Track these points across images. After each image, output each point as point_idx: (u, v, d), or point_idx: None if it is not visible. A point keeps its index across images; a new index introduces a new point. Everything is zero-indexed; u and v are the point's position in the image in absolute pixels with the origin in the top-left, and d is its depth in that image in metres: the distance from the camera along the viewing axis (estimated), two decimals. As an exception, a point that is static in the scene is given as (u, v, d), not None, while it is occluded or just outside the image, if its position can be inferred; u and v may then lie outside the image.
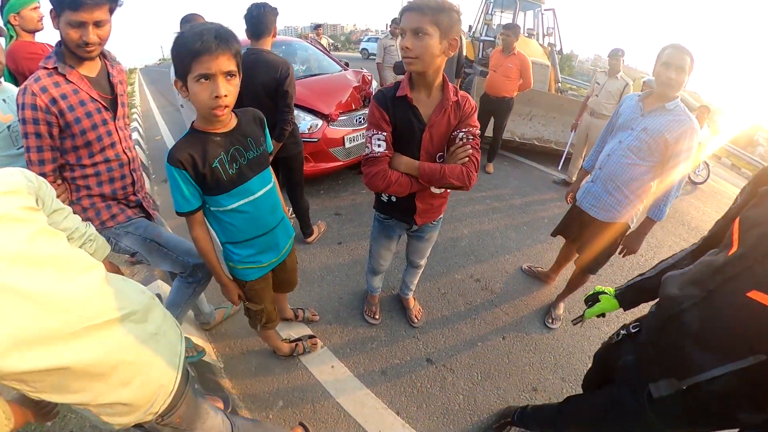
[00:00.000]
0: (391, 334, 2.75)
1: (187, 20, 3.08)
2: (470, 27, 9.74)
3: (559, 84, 7.53)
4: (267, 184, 1.65)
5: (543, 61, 7.05)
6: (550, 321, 2.96)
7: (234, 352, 2.56)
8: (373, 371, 2.46)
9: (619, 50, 4.74)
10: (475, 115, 1.73)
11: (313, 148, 4.13)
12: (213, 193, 1.46)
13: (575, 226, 2.77)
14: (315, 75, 4.96)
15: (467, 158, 1.67)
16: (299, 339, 2.55)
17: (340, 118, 4.25)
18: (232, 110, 1.46)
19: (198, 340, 2.41)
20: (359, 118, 4.44)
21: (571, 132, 5.32)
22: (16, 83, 2.30)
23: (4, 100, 1.84)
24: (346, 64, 5.51)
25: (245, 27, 2.72)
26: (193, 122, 1.44)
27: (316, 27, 9.85)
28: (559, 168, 5.71)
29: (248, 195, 1.55)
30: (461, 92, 1.70)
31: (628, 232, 2.48)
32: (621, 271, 3.71)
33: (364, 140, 4.41)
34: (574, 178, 5.20)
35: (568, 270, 3.11)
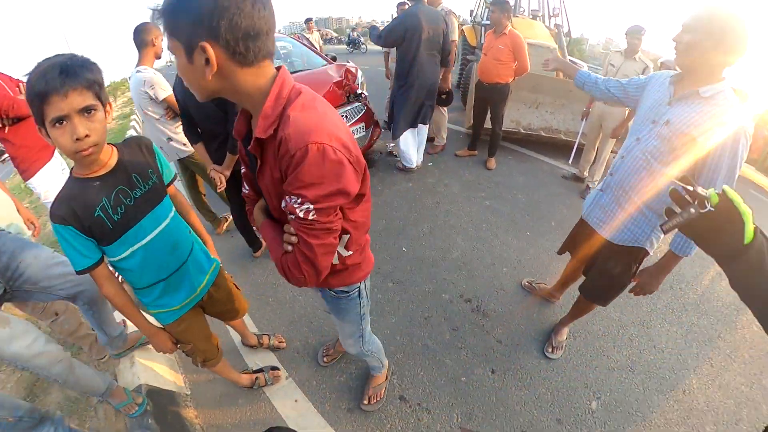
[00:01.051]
0: (362, 367, 2.41)
1: (137, 31, 2.77)
2: (471, 11, 9.21)
3: None
4: (162, 222, 1.46)
5: (549, 44, 6.44)
6: (550, 350, 2.54)
7: (201, 378, 2.39)
8: (339, 408, 2.22)
9: (640, 28, 4.12)
10: (311, 174, 0.96)
11: None
12: (102, 243, 1.33)
13: (583, 244, 2.29)
14: (294, 72, 4.60)
15: (290, 246, 1.11)
16: (261, 370, 2.37)
17: (317, 119, 3.88)
18: (114, 144, 1.36)
19: (165, 370, 2.28)
20: (342, 117, 4.05)
21: (581, 121, 4.76)
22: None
23: None
24: (333, 59, 5.12)
25: None
26: (72, 169, 1.31)
27: (307, 21, 9.57)
28: (570, 161, 5.14)
29: (140, 239, 1.39)
30: (292, 126, 0.94)
31: (644, 264, 1.99)
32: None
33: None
34: (585, 173, 4.71)
35: (576, 287, 2.68)
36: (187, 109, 2.48)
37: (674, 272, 3.49)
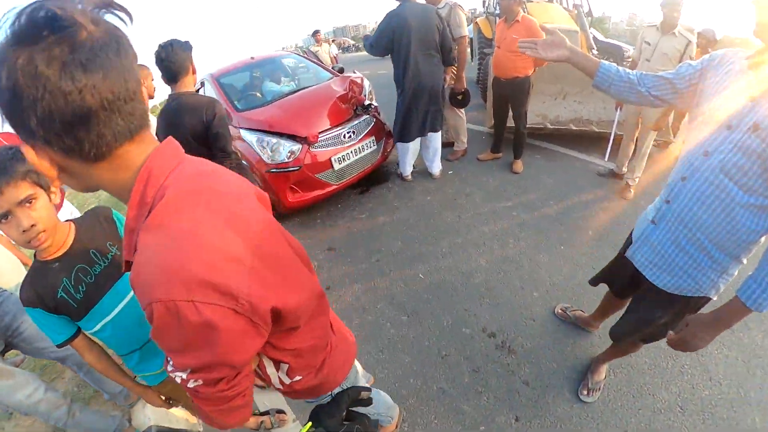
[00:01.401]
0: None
1: None
2: (484, 1, 8.68)
3: (594, 51, 6.24)
4: (125, 296, 1.42)
5: (570, 26, 5.88)
6: (585, 392, 2.17)
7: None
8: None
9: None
10: (168, 339, 0.68)
11: (297, 177, 3.63)
12: (73, 319, 1.36)
13: (624, 282, 1.89)
14: (297, 90, 4.41)
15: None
16: (267, 412, 2.16)
17: (323, 138, 3.67)
18: (74, 219, 1.38)
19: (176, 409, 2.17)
20: (348, 133, 3.82)
21: (616, 110, 4.24)
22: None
23: None
24: (340, 71, 4.88)
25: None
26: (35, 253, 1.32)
27: (314, 33, 9.43)
28: (606, 157, 4.53)
29: (105, 314, 1.38)
30: (135, 267, 0.65)
31: (699, 310, 1.53)
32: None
33: (356, 155, 3.86)
34: (624, 169, 4.17)
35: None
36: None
37: (736, 279, 3.06)
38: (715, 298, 1.49)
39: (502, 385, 2.27)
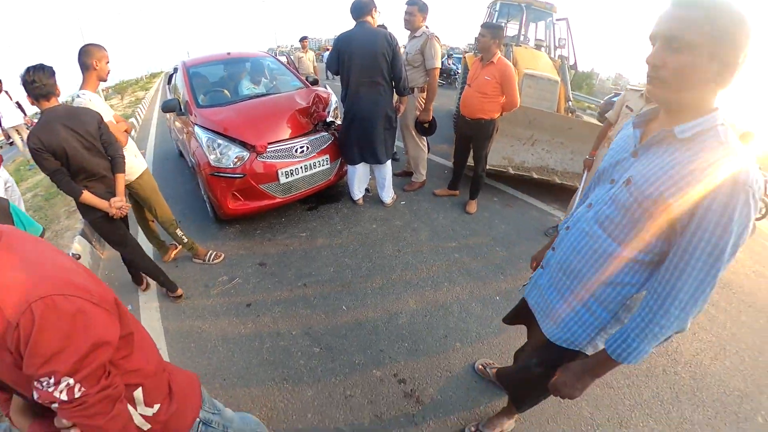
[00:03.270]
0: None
1: (79, 53, 2.67)
2: (476, 39, 8.86)
3: (570, 103, 6.39)
4: None
5: (551, 76, 6.01)
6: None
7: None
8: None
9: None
10: (50, 341, 0.77)
11: (241, 185, 3.48)
12: None
13: (523, 321, 1.85)
14: (263, 95, 4.29)
15: None
16: None
17: (273, 149, 3.53)
18: None
19: None
20: (302, 148, 3.68)
21: (584, 171, 4.14)
22: None
23: None
24: (314, 82, 4.77)
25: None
26: None
27: (302, 39, 9.32)
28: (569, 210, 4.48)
29: None
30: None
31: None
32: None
33: (305, 172, 3.72)
34: None
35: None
36: (67, 158, 2.34)
37: (671, 350, 3.05)
38: (589, 353, 1.41)
39: None
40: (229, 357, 2.56)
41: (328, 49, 22.11)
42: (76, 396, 0.79)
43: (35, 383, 0.78)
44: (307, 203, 4.33)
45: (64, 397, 0.78)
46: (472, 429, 2.11)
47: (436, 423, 2.20)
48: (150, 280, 3.19)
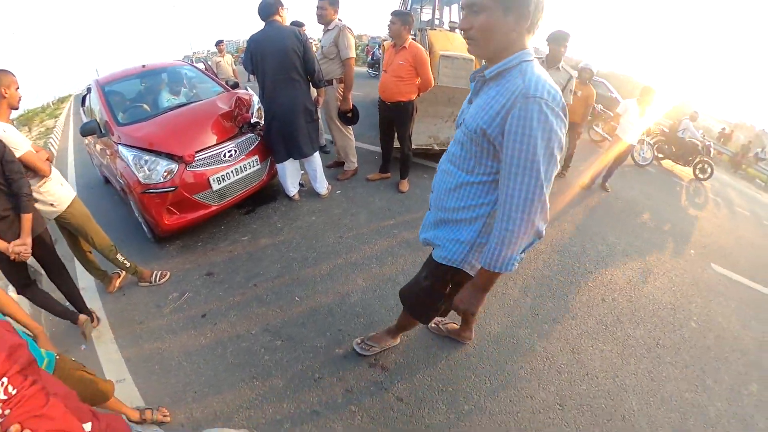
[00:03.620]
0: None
1: None
2: (388, 27, 9.09)
3: None
4: None
5: (465, 56, 6.27)
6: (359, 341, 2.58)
7: None
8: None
9: (565, 35, 3.89)
10: None
11: (174, 198, 3.43)
12: None
13: None
14: (182, 105, 4.22)
15: None
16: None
17: (201, 157, 3.52)
18: None
19: None
20: (230, 152, 3.70)
21: None
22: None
23: None
24: (234, 85, 4.75)
25: None
26: None
27: (218, 43, 9.12)
28: None
29: None
30: None
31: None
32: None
33: (237, 175, 3.74)
34: None
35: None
36: None
37: (605, 282, 3.47)
38: (471, 273, 1.67)
39: (375, 403, 2.29)
40: (196, 369, 2.57)
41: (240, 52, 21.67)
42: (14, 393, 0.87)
43: None
44: (243, 207, 4.33)
45: (4, 394, 0.86)
46: (358, 341, 2.51)
47: (403, 383, 2.40)
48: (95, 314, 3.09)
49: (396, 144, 4.57)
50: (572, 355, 2.69)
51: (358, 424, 2.18)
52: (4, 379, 0.87)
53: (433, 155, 5.39)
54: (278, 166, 4.16)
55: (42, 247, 2.62)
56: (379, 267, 3.38)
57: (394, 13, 3.93)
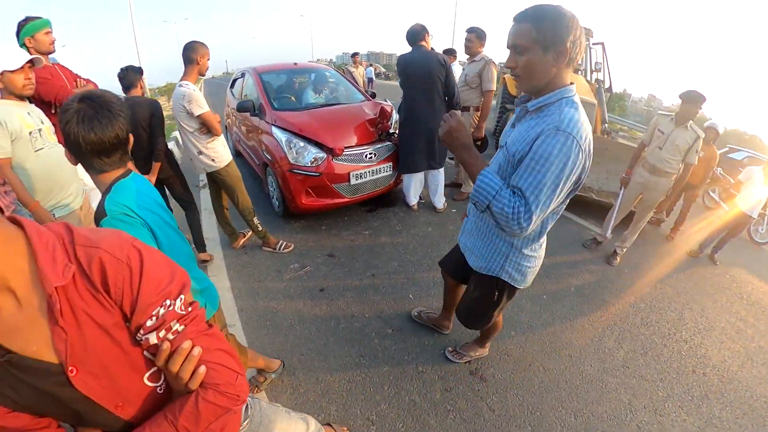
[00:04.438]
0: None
1: (185, 48, 3.09)
2: None
3: (606, 125, 6.76)
4: None
5: (589, 99, 6.30)
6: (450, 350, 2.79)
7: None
8: None
9: (701, 96, 3.72)
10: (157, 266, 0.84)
11: (315, 183, 3.87)
12: None
13: (456, 265, 2.29)
14: (330, 104, 4.73)
15: (201, 375, 0.84)
16: None
17: (346, 153, 3.94)
18: None
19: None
20: (370, 154, 4.10)
21: (621, 188, 4.44)
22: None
23: (29, 113, 2.25)
24: (373, 95, 5.22)
25: None
26: None
27: (353, 55, 10.04)
28: (609, 231, 4.63)
29: None
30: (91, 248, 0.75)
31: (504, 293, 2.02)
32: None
33: (372, 176, 4.11)
34: (608, 235, 4.48)
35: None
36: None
37: (699, 355, 3.47)
38: (514, 284, 1.91)
39: (470, 407, 2.45)
40: (306, 335, 2.86)
41: (372, 65, 23.01)
42: (188, 310, 0.85)
43: (147, 322, 0.79)
44: (366, 206, 4.74)
45: (180, 310, 0.82)
46: (450, 350, 2.73)
47: (497, 396, 2.55)
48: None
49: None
50: (654, 415, 2.65)
51: (450, 422, 2.35)
52: (183, 295, 0.84)
53: None
54: (406, 177, 4.53)
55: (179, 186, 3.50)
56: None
57: (469, 30, 4.44)
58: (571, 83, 1.46)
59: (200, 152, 3.20)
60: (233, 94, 5.78)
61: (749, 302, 4.26)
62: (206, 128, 3.13)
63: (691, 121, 3.82)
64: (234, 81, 6.00)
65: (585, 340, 3.20)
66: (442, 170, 4.52)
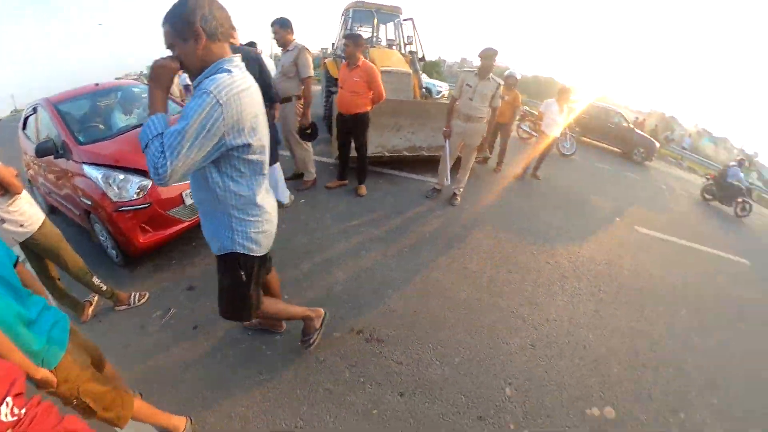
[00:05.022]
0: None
1: None
2: (333, 44, 9.60)
3: (424, 89, 7.76)
4: None
5: (405, 70, 7.00)
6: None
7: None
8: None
9: (494, 51, 4.45)
10: None
11: (148, 215, 3.44)
12: None
13: None
14: (138, 125, 4.21)
15: None
16: None
17: (171, 173, 3.59)
18: None
19: None
20: (199, 168, 3.81)
21: (445, 141, 5.01)
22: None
23: None
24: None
25: None
26: None
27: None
28: (446, 180, 5.24)
29: None
30: None
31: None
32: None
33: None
34: (446, 182, 5.08)
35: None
36: None
37: (547, 248, 4.19)
38: (244, 252, 1.86)
39: (379, 370, 2.58)
40: (198, 378, 2.60)
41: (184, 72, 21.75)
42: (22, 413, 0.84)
43: None
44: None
45: (9, 417, 0.82)
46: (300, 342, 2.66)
47: (400, 349, 2.76)
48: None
49: (352, 153, 4.93)
50: (531, 306, 3.28)
51: (369, 391, 2.44)
52: (8, 399, 0.81)
53: (385, 162, 5.90)
54: None
55: None
56: (355, 260, 3.69)
57: (348, 37, 4.43)
58: (236, 55, 1.59)
59: (2, 220, 2.49)
60: (28, 137, 4.60)
61: (570, 199, 5.38)
62: (2, 189, 2.45)
63: (491, 74, 4.50)
64: (25, 120, 4.75)
65: (452, 273, 3.62)
66: (277, 165, 4.38)
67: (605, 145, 13.59)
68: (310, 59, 4.45)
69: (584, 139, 13.45)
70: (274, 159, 4.24)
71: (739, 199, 9.98)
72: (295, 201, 4.81)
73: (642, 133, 14.02)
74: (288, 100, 4.49)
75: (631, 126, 13.49)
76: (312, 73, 4.44)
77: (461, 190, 5.13)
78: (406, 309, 3.09)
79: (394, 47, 8.40)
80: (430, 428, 2.24)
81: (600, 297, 3.56)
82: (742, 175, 10.59)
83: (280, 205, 4.54)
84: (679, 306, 3.82)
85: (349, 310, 3.07)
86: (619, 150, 13.26)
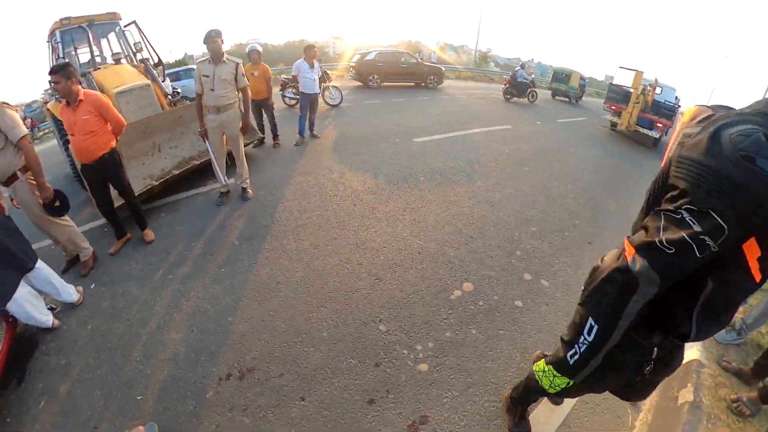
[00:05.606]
0: None
1: None
2: (46, 90, 7.96)
3: (170, 96, 6.92)
4: None
5: (142, 82, 6.09)
6: None
7: None
8: None
9: (214, 31, 4.22)
10: None
11: None
12: None
13: None
14: None
15: None
16: None
17: None
18: None
19: None
20: None
21: (205, 141, 4.66)
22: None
23: None
24: None
25: None
26: None
27: None
28: (223, 180, 4.96)
29: None
30: None
31: None
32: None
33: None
34: (224, 181, 4.96)
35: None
36: None
37: (348, 193, 5.14)
38: None
39: (270, 394, 2.44)
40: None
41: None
42: None
43: None
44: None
45: None
46: None
47: (272, 366, 2.64)
48: None
49: (118, 202, 4.23)
50: (360, 248, 3.76)
51: (272, 418, 2.35)
52: None
53: (158, 193, 5.11)
54: (10, 307, 2.99)
55: None
56: (180, 312, 3.27)
57: (53, 71, 3.43)
58: None
59: None
60: None
61: (366, 139, 7.26)
62: None
63: (225, 56, 4.31)
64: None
65: (276, 262, 3.73)
66: (39, 264, 3.21)
67: (405, 84, 16.71)
68: (15, 115, 3.34)
69: (385, 84, 16.09)
70: (28, 259, 3.13)
71: (528, 91, 14.68)
72: (86, 290, 3.70)
73: (429, 63, 18.76)
74: (13, 179, 3.37)
75: (420, 60, 17.09)
76: (25, 130, 3.34)
77: (248, 181, 5.00)
78: (251, 325, 3.03)
79: (123, 61, 7.03)
80: (350, 404, 2.37)
81: (408, 203, 4.44)
82: (525, 74, 15.09)
83: (71, 305, 3.52)
84: (474, 178, 5.43)
85: (205, 363, 2.77)
86: (413, 84, 16.77)
